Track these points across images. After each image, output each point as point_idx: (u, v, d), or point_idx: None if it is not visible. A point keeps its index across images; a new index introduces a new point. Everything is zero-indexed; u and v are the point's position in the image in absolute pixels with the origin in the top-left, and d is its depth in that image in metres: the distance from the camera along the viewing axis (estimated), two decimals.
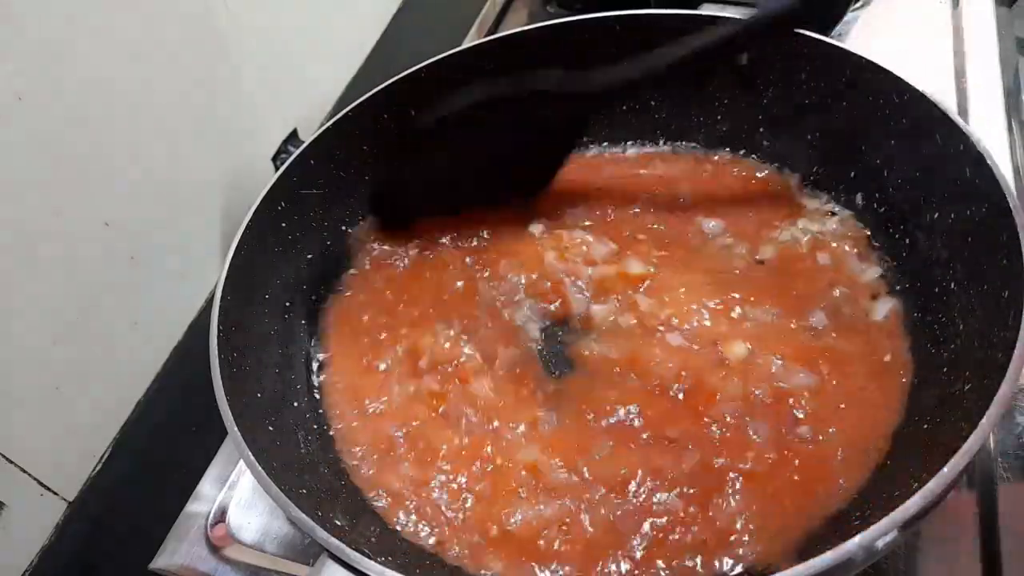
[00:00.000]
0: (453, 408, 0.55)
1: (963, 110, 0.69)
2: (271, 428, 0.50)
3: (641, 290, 0.58)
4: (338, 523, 0.45)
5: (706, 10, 0.62)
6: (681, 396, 0.52)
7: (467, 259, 0.64)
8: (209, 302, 0.68)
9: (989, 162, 0.47)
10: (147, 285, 0.62)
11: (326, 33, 0.80)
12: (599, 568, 0.46)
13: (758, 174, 0.65)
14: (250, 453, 0.43)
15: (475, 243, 0.65)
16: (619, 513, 0.48)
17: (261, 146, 0.73)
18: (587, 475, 0.50)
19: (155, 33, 0.59)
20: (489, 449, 0.52)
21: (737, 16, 0.57)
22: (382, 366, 0.58)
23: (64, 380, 0.56)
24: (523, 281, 0.61)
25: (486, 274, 0.62)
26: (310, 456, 0.52)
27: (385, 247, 0.65)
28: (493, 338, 0.58)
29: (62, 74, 0.53)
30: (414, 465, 0.53)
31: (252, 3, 0.69)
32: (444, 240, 0.65)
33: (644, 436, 0.51)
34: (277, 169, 0.72)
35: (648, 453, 0.50)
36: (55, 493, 0.56)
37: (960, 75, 0.72)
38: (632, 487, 0.49)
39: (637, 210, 0.65)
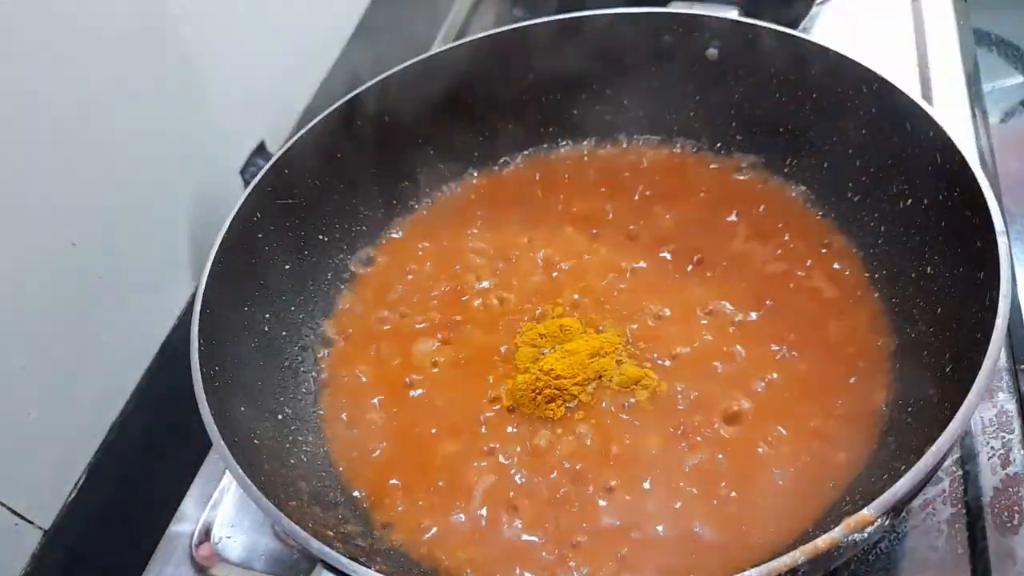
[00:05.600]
0: (452, 418, 0.54)
1: (928, 98, 0.71)
2: (256, 441, 0.49)
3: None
4: (330, 534, 0.44)
5: (674, 8, 0.63)
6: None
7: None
8: (182, 319, 0.67)
9: (957, 147, 0.48)
10: (118, 304, 0.61)
11: (290, 43, 0.79)
12: None
13: (737, 167, 0.65)
14: (239, 468, 0.42)
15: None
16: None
17: (229, 160, 0.73)
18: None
19: (115, 49, 0.59)
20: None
21: (706, 13, 0.58)
22: (374, 371, 0.58)
23: (35, 405, 0.55)
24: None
25: (484, 284, 0.62)
26: (299, 468, 0.51)
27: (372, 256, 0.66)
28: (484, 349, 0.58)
29: (21, 93, 0.52)
30: (412, 473, 0.52)
31: (214, 16, 0.68)
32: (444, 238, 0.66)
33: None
34: (246, 183, 0.71)
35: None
36: (30, 522, 0.55)
37: (923, 65, 0.74)
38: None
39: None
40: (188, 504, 0.58)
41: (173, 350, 0.66)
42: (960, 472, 0.51)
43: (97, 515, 0.59)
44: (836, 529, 0.37)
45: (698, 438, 0.50)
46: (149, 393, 0.64)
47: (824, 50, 0.56)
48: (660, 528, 0.47)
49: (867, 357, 0.52)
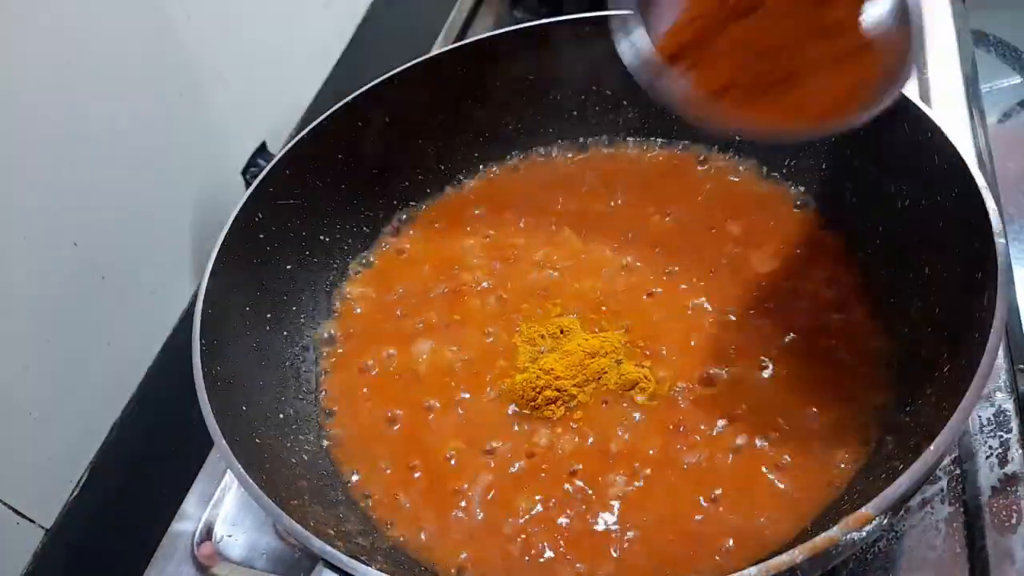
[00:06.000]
0: (451, 418, 0.55)
1: (926, 99, 0.71)
2: (258, 440, 0.49)
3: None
4: (331, 532, 0.44)
5: None
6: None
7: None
8: (184, 319, 0.67)
9: (955, 148, 0.48)
10: (119, 304, 0.62)
11: (291, 45, 0.79)
12: None
13: (735, 168, 0.66)
14: (240, 467, 0.43)
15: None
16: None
17: (230, 160, 0.73)
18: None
19: (117, 50, 0.59)
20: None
21: None
22: (374, 370, 0.58)
23: (37, 405, 0.55)
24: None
25: (483, 285, 0.62)
26: (300, 467, 0.51)
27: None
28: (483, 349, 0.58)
29: (23, 95, 0.52)
30: (412, 471, 0.52)
31: (216, 18, 0.68)
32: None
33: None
34: (247, 183, 0.72)
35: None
36: (32, 521, 0.55)
37: (921, 66, 0.74)
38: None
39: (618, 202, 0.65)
40: (190, 503, 0.59)
41: (175, 350, 0.66)
42: (958, 471, 0.51)
43: (99, 514, 0.60)
44: (834, 528, 0.37)
45: (696, 437, 0.50)
46: (151, 392, 0.64)
47: None
48: (659, 527, 0.47)
49: (865, 357, 0.52)
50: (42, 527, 0.56)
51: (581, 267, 0.61)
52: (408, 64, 0.64)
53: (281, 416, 0.54)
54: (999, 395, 0.54)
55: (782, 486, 0.48)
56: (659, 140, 0.68)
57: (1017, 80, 0.76)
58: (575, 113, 0.69)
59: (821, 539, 0.37)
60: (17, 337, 0.53)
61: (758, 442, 0.50)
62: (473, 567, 0.48)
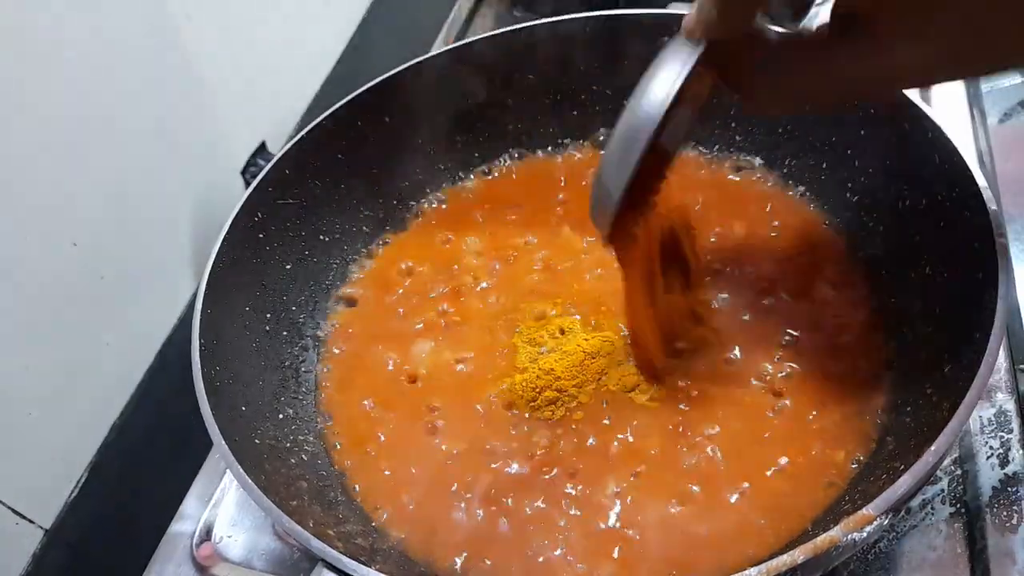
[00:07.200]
0: (451, 418, 0.54)
1: (926, 99, 0.71)
2: (257, 440, 0.49)
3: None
4: (331, 533, 0.44)
5: (675, 9, 0.63)
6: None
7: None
8: (183, 319, 0.67)
9: (955, 147, 0.48)
10: (118, 304, 0.61)
11: (291, 45, 0.79)
12: None
13: (736, 168, 0.66)
14: (240, 467, 0.43)
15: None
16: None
17: (229, 160, 0.73)
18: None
19: (117, 49, 0.59)
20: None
21: None
22: (374, 371, 0.58)
23: (36, 405, 0.55)
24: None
25: (483, 285, 0.62)
26: (299, 467, 0.51)
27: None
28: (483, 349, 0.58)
29: (22, 94, 0.52)
30: (411, 472, 0.52)
31: (216, 18, 0.68)
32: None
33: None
34: (247, 183, 0.72)
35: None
36: (31, 521, 0.55)
37: None
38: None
39: None
40: (189, 503, 0.59)
41: (174, 350, 0.66)
42: (959, 472, 0.51)
43: (98, 514, 0.59)
44: (835, 528, 0.37)
45: (697, 438, 0.50)
46: (150, 393, 0.64)
47: None
48: (659, 527, 0.47)
49: (865, 357, 0.52)
50: (41, 528, 0.56)
51: (581, 267, 0.61)
52: (408, 64, 0.64)
53: (281, 416, 0.54)
54: (1000, 395, 0.54)
55: (783, 486, 0.48)
56: None
57: (1018, 80, 0.76)
58: (575, 113, 0.68)
59: (822, 539, 0.37)
60: (16, 337, 0.53)
61: (759, 442, 0.50)
62: (472, 567, 0.48)
